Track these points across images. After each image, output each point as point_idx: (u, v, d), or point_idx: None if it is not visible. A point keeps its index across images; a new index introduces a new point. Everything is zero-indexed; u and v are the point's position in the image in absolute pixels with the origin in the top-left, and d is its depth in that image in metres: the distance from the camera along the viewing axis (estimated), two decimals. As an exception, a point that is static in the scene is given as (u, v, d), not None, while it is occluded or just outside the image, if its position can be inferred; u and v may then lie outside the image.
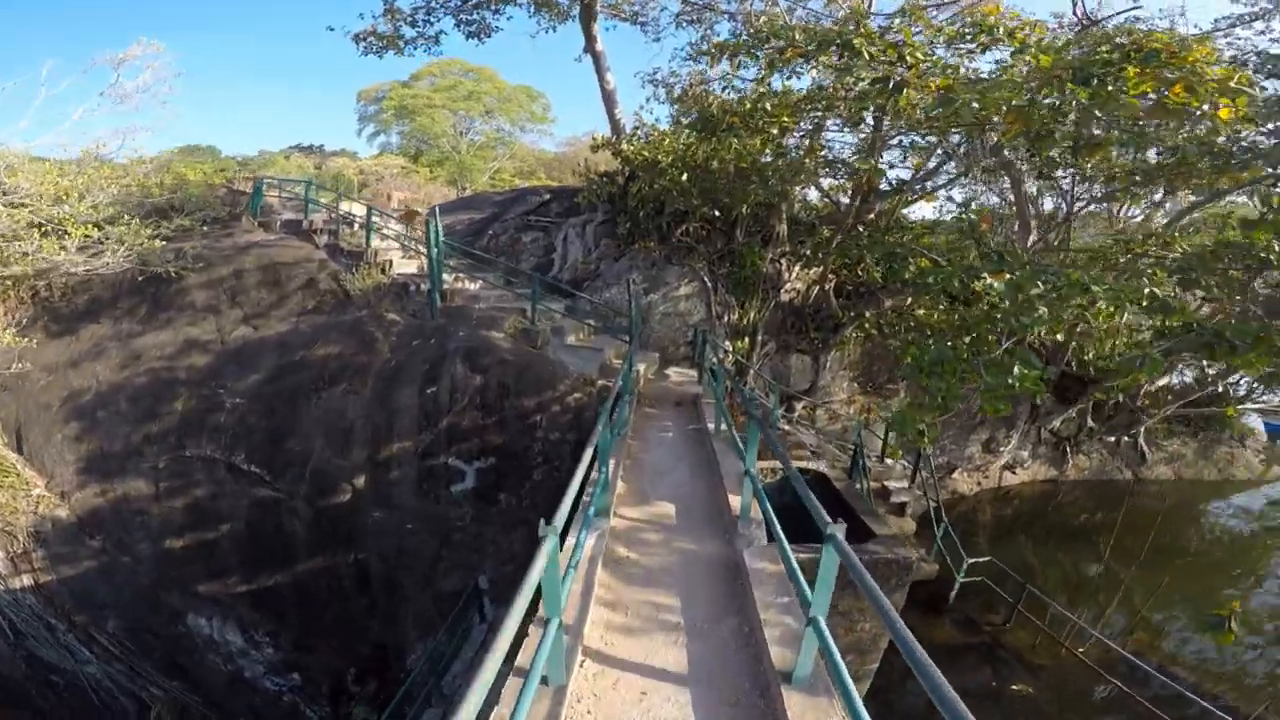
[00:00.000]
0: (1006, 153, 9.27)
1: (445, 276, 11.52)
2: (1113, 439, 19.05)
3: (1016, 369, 5.32)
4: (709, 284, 11.73)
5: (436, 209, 10.89)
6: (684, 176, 10.52)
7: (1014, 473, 18.34)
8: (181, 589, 9.42)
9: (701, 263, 11.88)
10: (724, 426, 7.45)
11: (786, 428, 12.54)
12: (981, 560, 11.89)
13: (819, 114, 9.23)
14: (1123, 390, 15.84)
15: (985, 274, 6.32)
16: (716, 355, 9.62)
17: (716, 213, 12.42)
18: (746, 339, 12.08)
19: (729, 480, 6.08)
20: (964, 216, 15.88)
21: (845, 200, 16.02)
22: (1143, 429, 17.98)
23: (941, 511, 12.12)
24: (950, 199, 16.15)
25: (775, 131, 9.77)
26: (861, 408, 14.84)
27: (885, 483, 12.24)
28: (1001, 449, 16.91)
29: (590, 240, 12.46)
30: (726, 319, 11.83)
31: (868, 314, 12.03)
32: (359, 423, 10.40)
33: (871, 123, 9.60)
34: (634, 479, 6.54)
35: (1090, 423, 18.01)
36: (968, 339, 6.82)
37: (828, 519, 2.95)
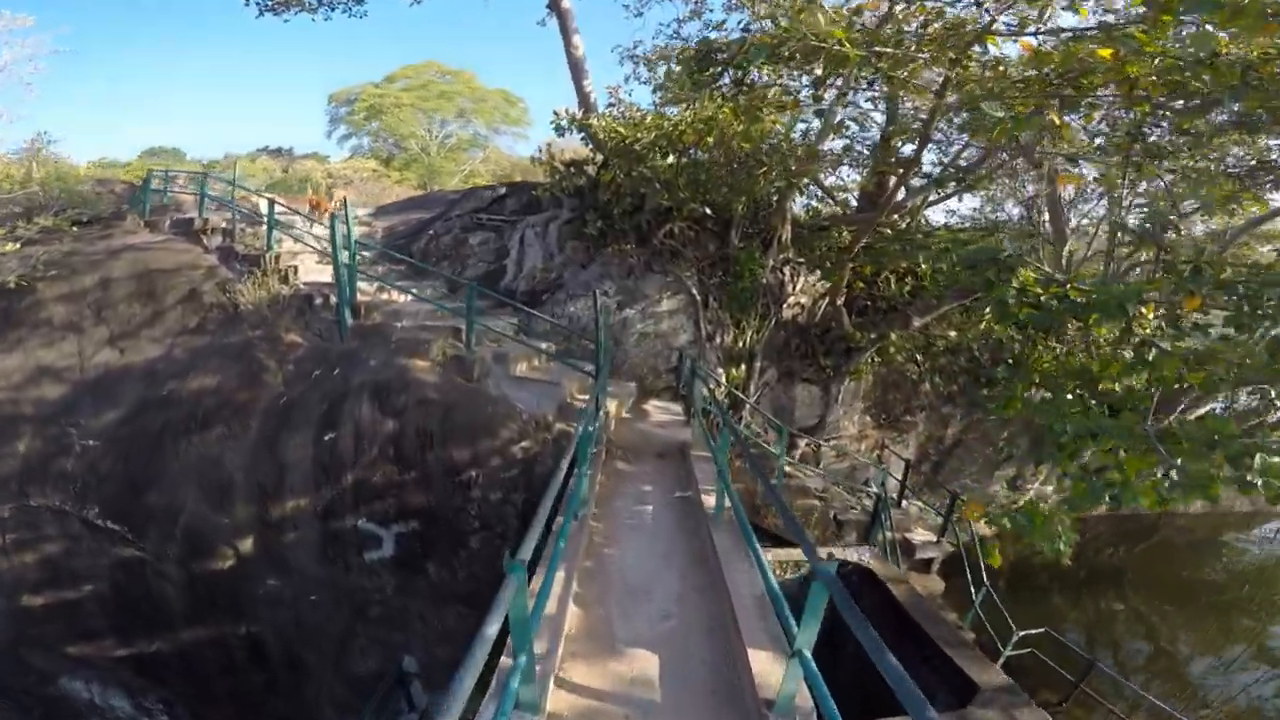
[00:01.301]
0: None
1: (364, 286, 9.04)
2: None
3: (1258, 460, 3.10)
4: (698, 297, 9.42)
5: (347, 200, 8.44)
6: (669, 159, 8.24)
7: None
8: (45, 649, 8.15)
9: (689, 270, 9.58)
10: (727, 502, 5.11)
11: (789, 469, 10.28)
12: (1035, 632, 9.79)
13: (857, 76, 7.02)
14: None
15: (1121, 302, 4.11)
16: (707, 387, 7.30)
17: (707, 210, 10.17)
18: (743, 365, 9.79)
19: (746, 613, 3.72)
20: (987, 219, 13.90)
21: (853, 201, 14.00)
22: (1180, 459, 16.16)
23: (983, 573, 9.89)
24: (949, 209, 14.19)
25: (787, 101, 7.55)
26: (874, 443, 12.63)
27: (908, 534, 10.11)
28: (1029, 486, 14.87)
29: (552, 242, 10.11)
30: (719, 340, 9.53)
31: (892, 336, 9.81)
32: (240, 475, 8.06)
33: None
34: (596, 601, 4.15)
35: (1123, 454, 16.11)
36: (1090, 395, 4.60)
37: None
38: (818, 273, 10.89)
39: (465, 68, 38.03)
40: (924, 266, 8.13)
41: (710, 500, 5.55)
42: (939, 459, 13.57)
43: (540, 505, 3.25)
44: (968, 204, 14.13)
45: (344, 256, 8.05)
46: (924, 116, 8.19)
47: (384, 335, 8.20)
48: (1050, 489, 16.02)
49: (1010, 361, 10.81)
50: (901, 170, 8.61)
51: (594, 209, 10.18)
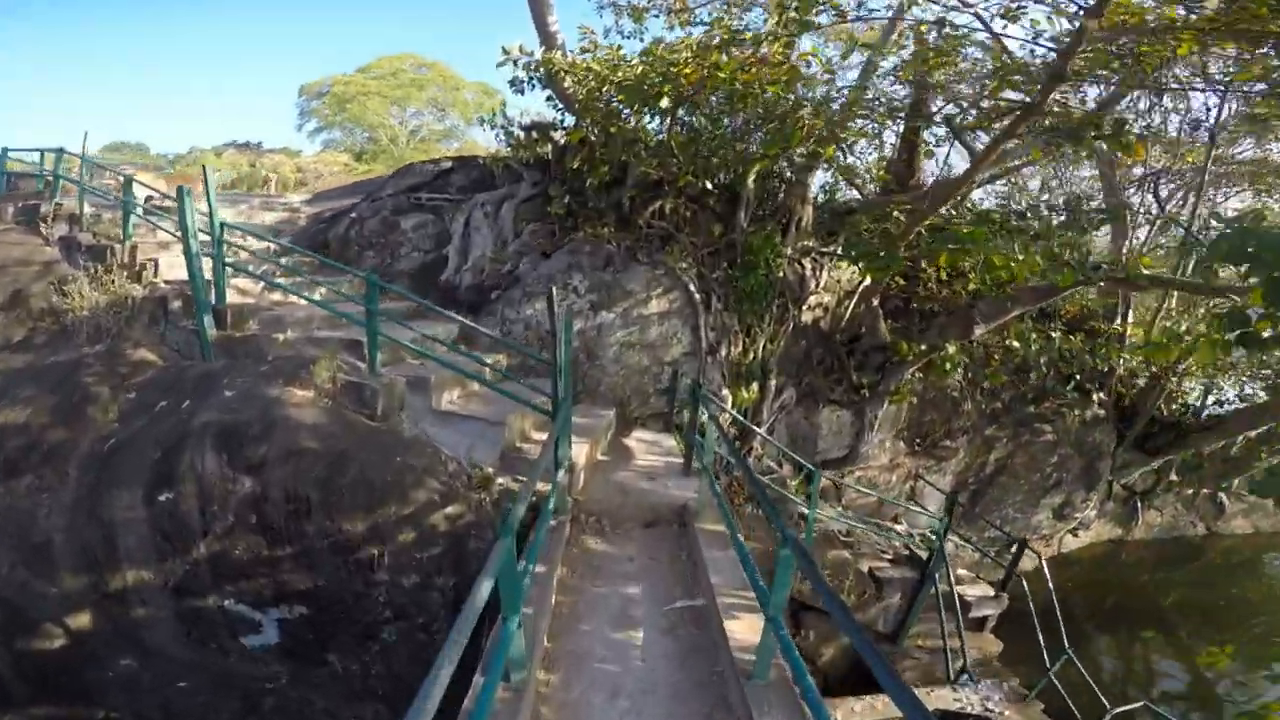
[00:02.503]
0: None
1: (245, 285, 6.66)
2: (1190, 491, 15.29)
3: None
4: (697, 295, 7.16)
5: (207, 170, 6.05)
6: (663, 102, 5.99)
7: (1075, 535, 14.34)
8: None
9: (685, 261, 7.32)
10: (776, 650, 2.83)
11: (804, 509, 8.10)
12: (1133, 707, 7.71)
13: None
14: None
15: None
16: (716, 423, 5.02)
17: (709, 185, 7.92)
18: (754, 384, 7.54)
19: None
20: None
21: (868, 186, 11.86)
22: (1236, 480, 14.26)
23: (1062, 634, 7.75)
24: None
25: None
26: (907, 473, 10.47)
27: (959, 587, 8.06)
28: (1077, 514, 12.83)
29: (507, 225, 7.79)
30: (725, 352, 7.26)
31: (950, 348, 7.60)
32: (60, 537, 5.82)
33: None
34: None
35: (1173, 475, 14.16)
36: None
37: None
38: (843, 267, 8.69)
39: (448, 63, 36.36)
40: (1009, 261, 5.95)
41: (740, 630, 3.27)
42: (978, 488, 11.49)
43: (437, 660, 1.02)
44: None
45: (193, 245, 5.67)
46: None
47: (259, 351, 5.81)
48: (1093, 514, 14.04)
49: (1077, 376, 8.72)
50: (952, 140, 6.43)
51: (561, 183, 7.89)
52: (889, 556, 9.45)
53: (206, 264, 6.04)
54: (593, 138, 7.05)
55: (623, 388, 6.97)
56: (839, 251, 7.81)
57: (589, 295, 6.93)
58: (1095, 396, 11.66)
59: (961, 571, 9.37)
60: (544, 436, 5.14)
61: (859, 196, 11.12)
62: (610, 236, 7.42)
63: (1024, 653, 9.67)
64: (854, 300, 8.75)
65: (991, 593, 8.96)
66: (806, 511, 7.00)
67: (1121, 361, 10.74)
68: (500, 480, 5.18)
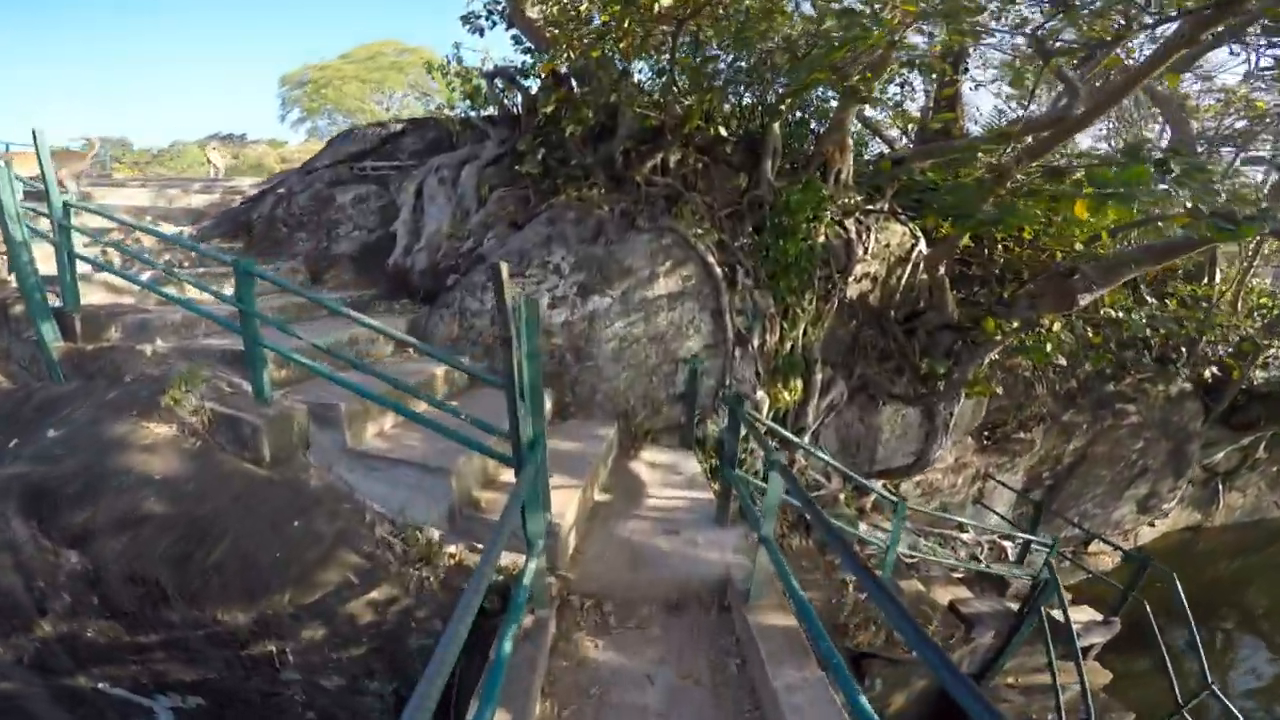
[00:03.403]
0: None
1: (114, 281, 4.99)
2: (1276, 469, 13.55)
3: None
4: (718, 269, 5.45)
5: (36, 134, 4.31)
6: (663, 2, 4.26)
7: (1152, 525, 12.69)
8: None
9: (700, 225, 5.61)
10: None
11: (857, 527, 6.55)
12: None
13: None
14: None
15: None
16: (765, 446, 3.34)
17: (724, 131, 6.21)
18: (798, 380, 5.84)
19: None
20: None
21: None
22: (1329, 455, 12.52)
23: (1204, 670, 6.08)
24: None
25: None
26: (975, 473, 8.77)
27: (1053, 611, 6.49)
28: (1165, 505, 11.13)
29: (469, 192, 6.09)
30: (757, 340, 5.56)
31: (1054, 324, 5.83)
32: None
33: None
34: None
35: (1260, 452, 12.41)
36: None
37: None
38: (893, 228, 6.95)
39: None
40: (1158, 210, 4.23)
41: None
42: (1053, 483, 9.81)
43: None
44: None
45: (18, 232, 4.01)
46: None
47: (119, 368, 4.17)
48: (1173, 505, 12.33)
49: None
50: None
51: (536, 137, 6.18)
52: (958, 574, 7.85)
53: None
54: (569, 74, 5.34)
55: (625, 395, 5.29)
56: (887, 209, 6.04)
57: (575, 275, 5.23)
58: (1178, 369, 9.91)
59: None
60: (515, 479, 3.49)
61: (890, 148, 9.34)
62: (600, 200, 5.71)
63: (1137, 679, 8.09)
64: (908, 268, 7.02)
65: (1099, 617, 7.40)
66: (872, 539, 5.35)
67: (1219, 329, 9.02)
68: (451, 549, 3.55)
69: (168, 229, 6.78)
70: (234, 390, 3.80)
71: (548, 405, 5.05)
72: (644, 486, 4.67)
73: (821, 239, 5.98)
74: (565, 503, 3.64)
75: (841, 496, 7.16)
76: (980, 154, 5.34)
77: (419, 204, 6.26)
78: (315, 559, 3.52)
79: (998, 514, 9.07)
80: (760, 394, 5.51)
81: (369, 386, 3.50)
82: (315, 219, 6.47)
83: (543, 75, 5.82)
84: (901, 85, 7.94)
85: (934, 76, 7.45)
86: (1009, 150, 5.77)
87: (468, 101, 6.88)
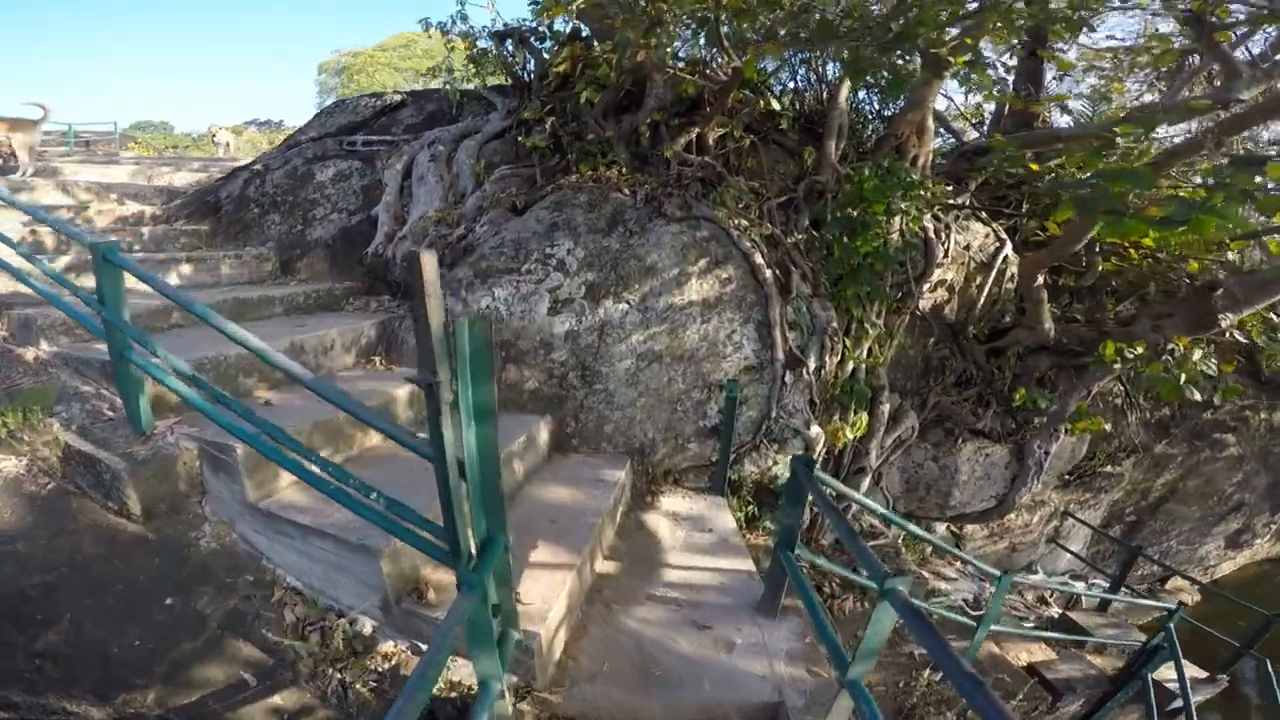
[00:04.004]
0: None
1: (17, 262, 4.08)
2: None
3: None
4: (766, 270, 4.32)
5: None
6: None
7: (1232, 559, 11.13)
8: None
9: (745, 216, 4.50)
10: None
11: (925, 572, 5.37)
12: None
13: None
14: None
15: None
16: (858, 551, 2.23)
17: (775, 104, 5.08)
18: (862, 411, 4.67)
19: None
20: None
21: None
22: None
23: None
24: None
25: None
26: (1053, 511, 7.44)
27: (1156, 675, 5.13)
28: (1257, 540, 9.59)
29: (465, 171, 5.08)
30: (814, 362, 4.41)
31: (1189, 348, 4.53)
32: None
33: None
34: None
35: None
36: None
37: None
38: (974, 229, 5.72)
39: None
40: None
41: None
42: (1136, 518, 8.41)
43: None
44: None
45: None
46: None
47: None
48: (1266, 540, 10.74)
49: None
50: None
51: (545, 105, 5.13)
52: (1030, 623, 6.58)
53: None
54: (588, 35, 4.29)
55: (643, 426, 4.19)
56: (984, 203, 4.81)
57: (584, 274, 4.15)
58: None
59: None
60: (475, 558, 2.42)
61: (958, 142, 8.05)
62: (620, 180, 4.63)
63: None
64: (990, 275, 5.77)
65: (1203, 674, 6.11)
66: (946, 608, 4.17)
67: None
68: (387, 646, 2.50)
69: (131, 208, 5.95)
70: (115, 416, 2.83)
71: (544, 437, 3.98)
72: (663, 551, 3.56)
73: (895, 236, 4.81)
74: (551, 591, 2.56)
75: (901, 542, 5.97)
76: (1120, 139, 4.12)
77: (406, 185, 5.27)
78: (194, 650, 2.50)
79: (1072, 553, 7.75)
80: (815, 430, 4.35)
81: (291, 418, 2.47)
82: (290, 199, 5.53)
83: (549, 22, 4.76)
84: (971, 63, 6.70)
85: (1016, 56, 6.18)
86: (1146, 137, 4.50)
87: (472, 68, 5.88)
